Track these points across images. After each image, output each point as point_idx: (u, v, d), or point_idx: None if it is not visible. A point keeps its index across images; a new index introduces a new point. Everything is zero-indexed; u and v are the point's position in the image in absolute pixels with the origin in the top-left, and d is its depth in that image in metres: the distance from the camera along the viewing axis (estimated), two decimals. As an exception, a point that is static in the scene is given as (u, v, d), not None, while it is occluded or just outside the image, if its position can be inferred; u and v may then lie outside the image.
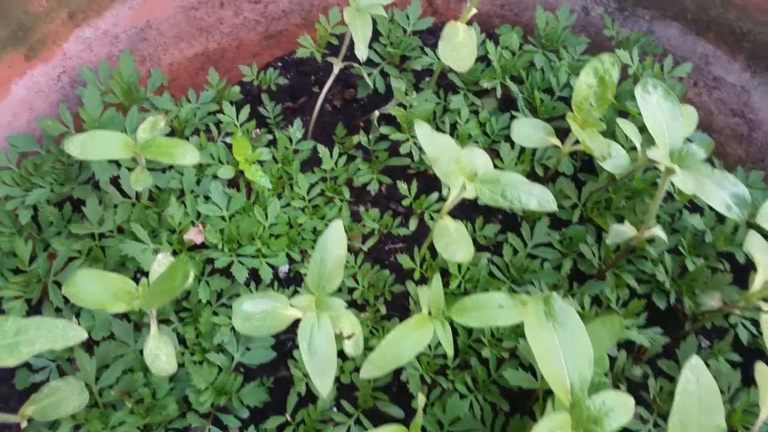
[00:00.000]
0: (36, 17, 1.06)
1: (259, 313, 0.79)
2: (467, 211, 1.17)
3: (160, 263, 0.85)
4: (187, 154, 0.86)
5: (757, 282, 0.98)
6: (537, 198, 0.80)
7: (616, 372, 1.02)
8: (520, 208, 0.81)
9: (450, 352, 0.83)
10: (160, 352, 0.82)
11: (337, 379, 0.98)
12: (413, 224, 1.14)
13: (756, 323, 1.07)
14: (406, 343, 0.79)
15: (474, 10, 1.09)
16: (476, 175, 0.83)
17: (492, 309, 0.83)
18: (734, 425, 0.96)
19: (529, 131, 1.02)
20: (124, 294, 0.79)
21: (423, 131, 0.81)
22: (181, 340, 0.97)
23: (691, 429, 0.68)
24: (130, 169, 1.02)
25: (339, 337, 0.82)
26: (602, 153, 0.92)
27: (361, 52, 1.04)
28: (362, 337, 0.84)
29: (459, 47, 1.06)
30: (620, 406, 0.65)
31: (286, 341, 1.03)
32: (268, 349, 0.97)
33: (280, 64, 1.42)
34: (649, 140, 0.91)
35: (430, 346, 1.00)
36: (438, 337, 0.83)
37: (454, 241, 0.86)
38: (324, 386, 0.72)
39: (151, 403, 0.89)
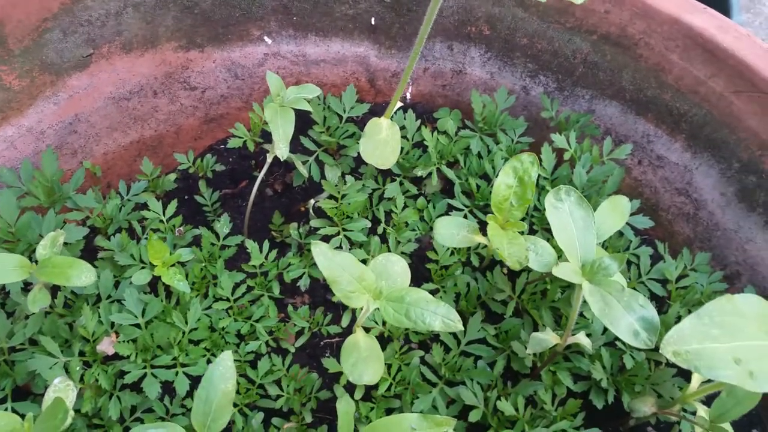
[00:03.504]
0: (-50, 122, 1.05)
1: (153, 443, 0.75)
2: (401, 304, 1.13)
3: (56, 389, 0.81)
4: (82, 275, 0.84)
5: (693, 382, 0.94)
6: (441, 318, 0.77)
7: (551, 480, 0.97)
8: (425, 329, 0.77)
9: (359, 479, 0.79)
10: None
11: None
12: (346, 320, 1.11)
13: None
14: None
15: (400, 104, 1.08)
16: (381, 293, 0.80)
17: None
18: None
19: (452, 230, 1.00)
20: None
21: (319, 252, 0.78)
22: (92, 459, 0.93)
23: None
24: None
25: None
26: (519, 260, 0.89)
27: (282, 151, 1.02)
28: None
29: (382, 145, 1.04)
30: None
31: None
32: (182, 468, 0.92)
33: (222, 146, 1.40)
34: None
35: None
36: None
37: (362, 360, 0.82)
38: None
39: None
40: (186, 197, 1.29)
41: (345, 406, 0.80)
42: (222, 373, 0.73)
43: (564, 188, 0.86)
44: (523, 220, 1.07)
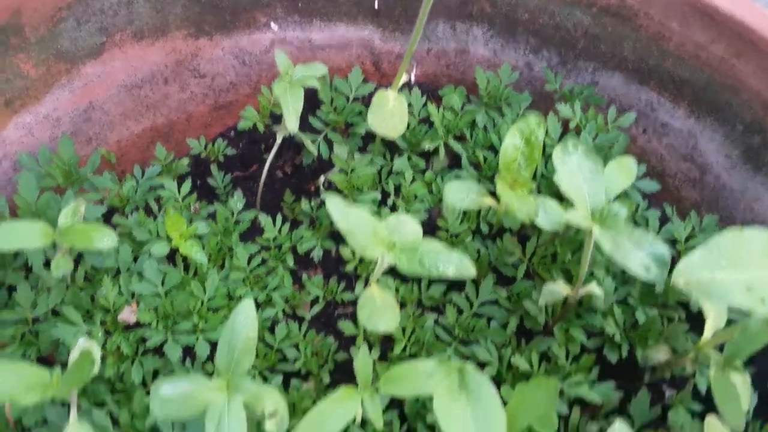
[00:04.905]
0: (-30, 106, 1.08)
1: (177, 396, 0.77)
2: (414, 273, 1.15)
3: (81, 349, 0.83)
4: (104, 239, 0.86)
5: (707, 330, 0.95)
6: (455, 265, 0.79)
7: (570, 431, 0.98)
8: (439, 276, 0.79)
9: (379, 425, 0.80)
10: (79, 441, 0.80)
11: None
12: (359, 288, 1.13)
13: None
14: (330, 418, 0.77)
15: (406, 77, 1.10)
16: (395, 245, 0.82)
17: (420, 378, 0.80)
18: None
19: (461, 194, 1.01)
20: (38, 385, 0.77)
21: (334, 205, 0.80)
22: (116, 423, 0.95)
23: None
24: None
25: (261, 417, 0.79)
26: (529, 215, 0.91)
27: (292, 124, 1.04)
28: (287, 415, 0.81)
29: (389, 116, 1.06)
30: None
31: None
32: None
33: (232, 133, 1.43)
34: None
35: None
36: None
37: (377, 311, 0.84)
38: (232, 474, 0.69)
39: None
40: (199, 182, 1.32)
41: (362, 354, 0.81)
42: (243, 321, 0.75)
43: (571, 141, 0.88)
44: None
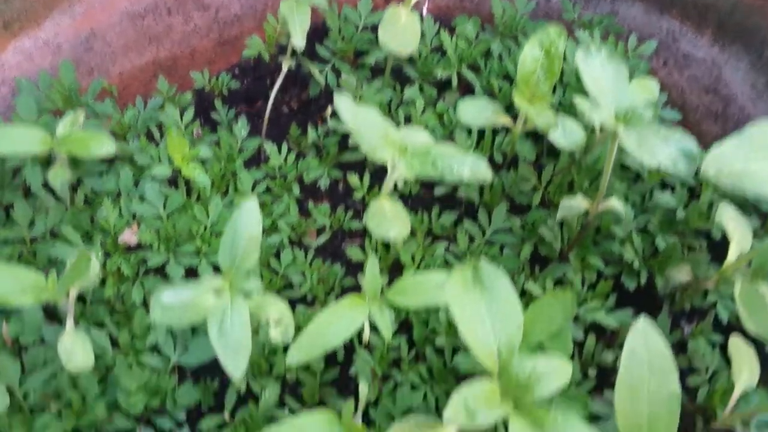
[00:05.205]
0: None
1: (178, 303, 0.74)
2: (425, 202, 1.11)
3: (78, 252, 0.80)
4: (103, 146, 0.83)
5: (731, 253, 0.91)
6: (469, 166, 0.75)
7: (585, 357, 0.94)
8: (452, 179, 0.75)
9: (388, 335, 0.76)
10: (77, 349, 0.77)
11: (282, 377, 0.91)
12: (368, 218, 1.09)
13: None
14: (337, 325, 0.73)
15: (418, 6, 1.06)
16: (406, 149, 0.78)
17: (431, 289, 0.77)
18: (714, 406, 0.88)
19: (476, 111, 0.97)
20: (33, 287, 0.74)
21: (344, 104, 0.76)
22: (116, 344, 0.92)
23: (641, 396, 0.61)
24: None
25: (267, 326, 0.76)
26: (548, 124, 0.86)
27: (299, 40, 1.00)
28: (292, 325, 0.78)
29: (401, 31, 1.02)
30: (554, 370, 0.58)
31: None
32: (207, 349, 0.91)
33: (236, 70, 1.39)
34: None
35: (383, 339, 0.93)
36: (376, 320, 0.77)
37: (388, 220, 0.80)
38: (236, 369, 0.66)
39: (80, 407, 0.83)
40: (202, 118, 1.28)
41: (371, 264, 0.78)
42: (247, 220, 0.71)
43: (594, 46, 0.83)
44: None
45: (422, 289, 0.77)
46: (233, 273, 0.70)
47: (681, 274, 0.89)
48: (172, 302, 0.73)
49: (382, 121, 0.78)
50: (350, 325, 0.73)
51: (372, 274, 0.77)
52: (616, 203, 0.86)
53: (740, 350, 0.82)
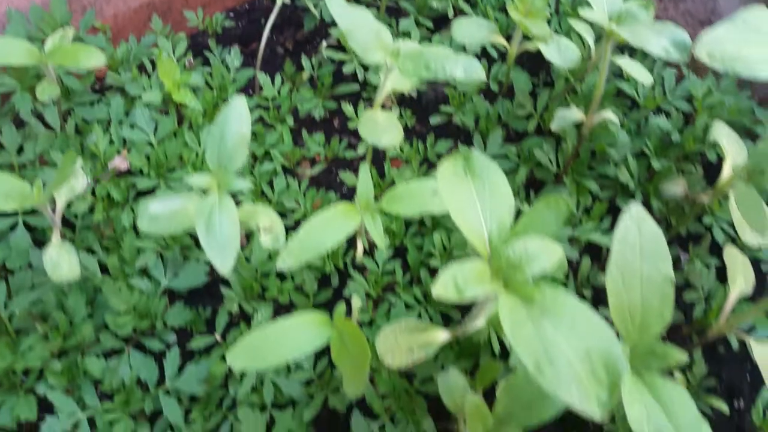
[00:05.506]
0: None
1: (166, 212, 0.73)
2: (420, 132, 1.10)
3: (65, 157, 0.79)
4: (92, 58, 0.81)
5: (726, 170, 0.90)
6: (463, 67, 0.73)
7: (580, 278, 0.93)
8: (445, 79, 0.74)
9: (381, 243, 0.75)
10: (61, 260, 0.76)
11: (275, 300, 0.91)
12: (362, 147, 1.08)
13: (732, 225, 0.98)
14: (328, 230, 0.72)
15: None
16: (399, 52, 0.76)
17: (424, 196, 0.76)
18: (710, 321, 0.88)
19: (471, 30, 0.96)
20: (17, 194, 0.73)
21: (336, 4, 0.74)
22: (105, 270, 0.91)
23: (633, 281, 0.60)
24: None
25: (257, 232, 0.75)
26: (544, 35, 0.85)
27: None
28: (283, 233, 0.77)
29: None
30: (544, 251, 0.57)
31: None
32: (199, 274, 0.90)
33: (231, 14, 1.38)
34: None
35: (377, 263, 0.93)
36: (369, 228, 0.76)
37: (381, 128, 0.79)
38: (224, 265, 0.64)
39: (67, 329, 0.83)
40: (196, 55, 1.26)
41: (364, 171, 0.77)
42: (236, 116, 0.70)
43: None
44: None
45: (415, 196, 0.76)
46: (221, 172, 0.69)
47: (676, 187, 0.88)
48: (159, 211, 0.72)
49: (375, 22, 0.76)
50: (341, 229, 0.72)
51: (364, 181, 0.76)
52: (610, 115, 0.85)
53: (735, 259, 0.81)
